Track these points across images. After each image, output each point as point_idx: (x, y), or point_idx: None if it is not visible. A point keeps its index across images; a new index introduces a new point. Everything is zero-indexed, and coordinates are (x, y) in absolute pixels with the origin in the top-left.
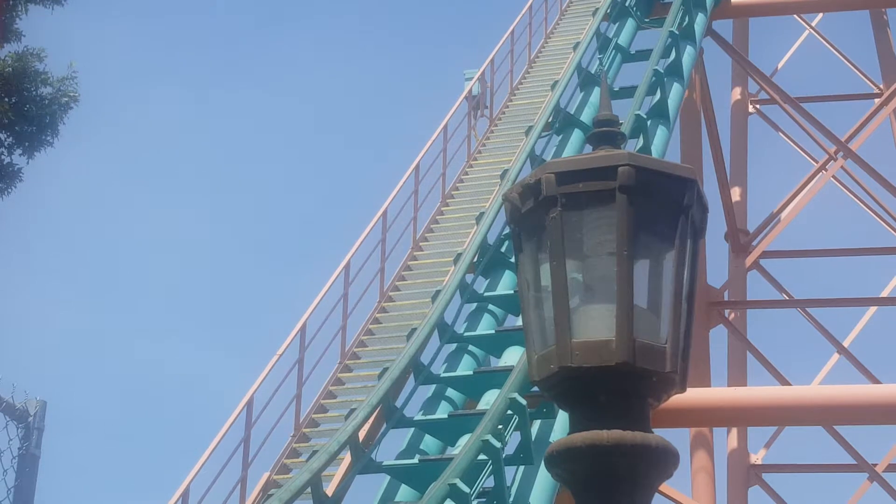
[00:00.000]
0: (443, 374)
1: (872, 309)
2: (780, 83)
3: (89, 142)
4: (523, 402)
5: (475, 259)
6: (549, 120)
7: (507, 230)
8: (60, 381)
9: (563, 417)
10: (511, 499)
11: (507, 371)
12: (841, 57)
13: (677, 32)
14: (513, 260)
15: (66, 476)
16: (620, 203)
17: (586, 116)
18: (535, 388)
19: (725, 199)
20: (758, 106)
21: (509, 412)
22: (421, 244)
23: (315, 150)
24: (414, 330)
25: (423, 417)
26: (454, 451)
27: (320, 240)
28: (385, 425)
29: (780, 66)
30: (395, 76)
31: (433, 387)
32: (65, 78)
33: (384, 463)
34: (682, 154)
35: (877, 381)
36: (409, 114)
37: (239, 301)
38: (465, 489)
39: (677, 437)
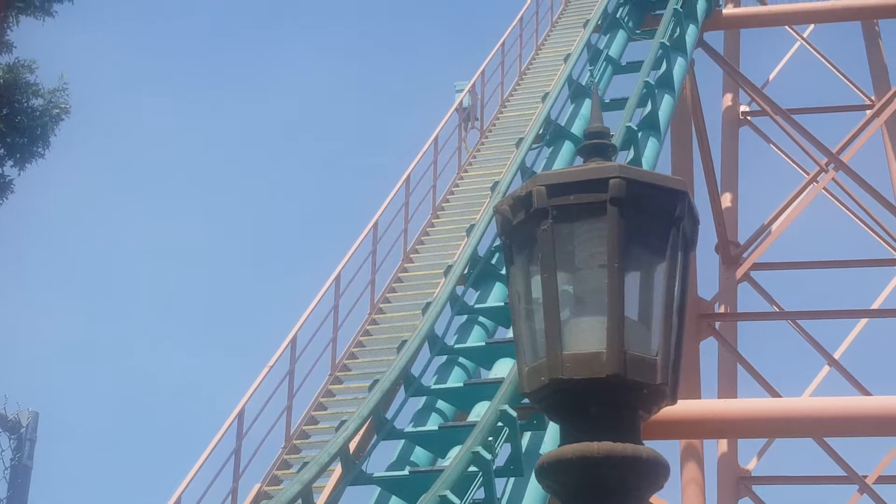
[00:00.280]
0: (433, 386)
1: (863, 321)
2: (771, 95)
3: (81, 150)
4: (514, 413)
5: (466, 271)
6: (540, 132)
7: (497, 242)
8: (53, 391)
9: (553, 429)
10: None
11: (498, 383)
12: (832, 68)
13: (668, 44)
14: (503, 272)
15: (58, 486)
16: (611, 215)
17: (577, 128)
18: (526, 400)
19: (716, 211)
20: (749, 117)
21: (500, 424)
22: (411, 256)
23: (307, 158)
24: (404, 342)
25: (414, 429)
26: (444, 462)
27: (314, 247)
28: (375, 437)
29: (771, 77)
30: (385, 86)
31: (423, 399)
32: (56, 89)
33: (374, 475)
34: (672, 166)
35: (867, 394)
36: (399, 124)
37: (231, 309)
38: (456, 501)
39: (667, 449)
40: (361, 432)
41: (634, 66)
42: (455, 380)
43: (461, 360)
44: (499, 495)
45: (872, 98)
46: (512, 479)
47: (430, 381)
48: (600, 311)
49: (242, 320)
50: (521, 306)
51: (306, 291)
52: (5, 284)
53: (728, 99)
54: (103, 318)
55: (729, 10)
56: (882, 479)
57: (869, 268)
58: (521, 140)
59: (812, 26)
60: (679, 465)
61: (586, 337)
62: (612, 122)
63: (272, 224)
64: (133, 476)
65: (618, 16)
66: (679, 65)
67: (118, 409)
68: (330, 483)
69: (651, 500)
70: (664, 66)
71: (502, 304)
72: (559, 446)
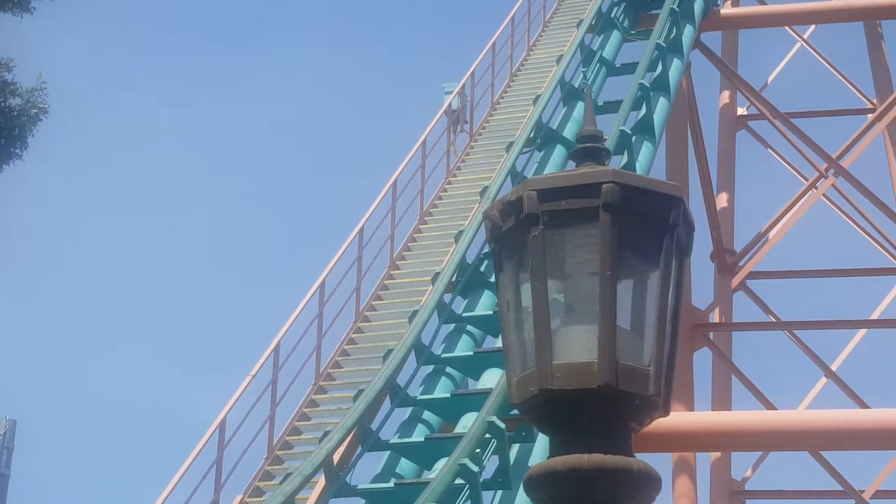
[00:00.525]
0: (419, 397)
1: (862, 332)
2: (770, 97)
3: (58, 152)
4: (502, 425)
5: (454, 278)
6: (531, 135)
7: (486, 249)
8: (30, 400)
9: (542, 441)
10: None
11: (486, 394)
12: (833, 71)
13: (664, 45)
14: (492, 279)
15: (36, 495)
16: (604, 221)
17: (569, 132)
18: (515, 411)
19: (712, 218)
20: (747, 121)
21: (487, 436)
22: (398, 263)
23: (291, 164)
24: (390, 351)
25: (399, 440)
26: (431, 475)
27: (297, 255)
28: (360, 448)
29: (770, 79)
30: (373, 88)
31: (409, 409)
32: (34, 89)
33: (359, 486)
34: (667, 171)
35: (865, 406)
36: (387, 127)
37: (212, 317)
38: None
39: (660, 462)
40: (346, 443)
41: (629, 68)
42: (442, 390)
43: (448, 369)
44: None
45: (874, 102)
46: (500, 493)
47: (416, 391)
48: (592, 319)
49: (222, 330)
50: (510, 315)
51: (290, 299)
52: None
53: (725, 101)
54: (81, 324)
55: (727, 9)
56: (879, 494)
57: (868, 277)
58: (511, 144)
59: (813, 27)
60: (671, 478)
61: (577, 346)
62: (605, 125)
63: (252, 232)
64: (112, 486)
65: (612, 15)
66: (675, 66)
67: (97, 418)
68: (313, 495)
69: None
70: (660, 68)
71: (491, 312)
72: (548, 458)
